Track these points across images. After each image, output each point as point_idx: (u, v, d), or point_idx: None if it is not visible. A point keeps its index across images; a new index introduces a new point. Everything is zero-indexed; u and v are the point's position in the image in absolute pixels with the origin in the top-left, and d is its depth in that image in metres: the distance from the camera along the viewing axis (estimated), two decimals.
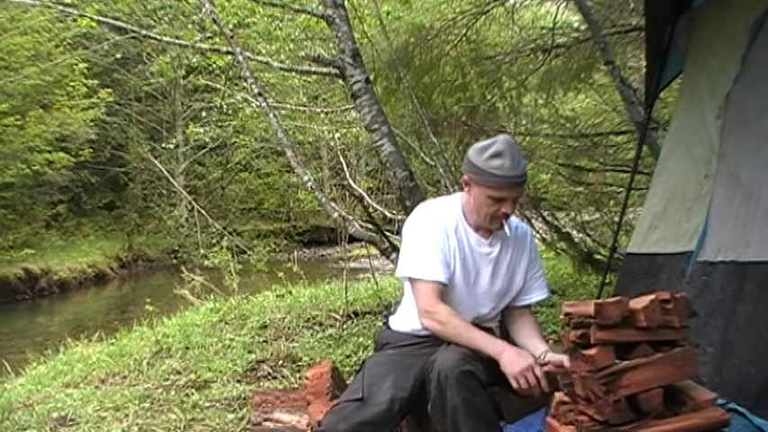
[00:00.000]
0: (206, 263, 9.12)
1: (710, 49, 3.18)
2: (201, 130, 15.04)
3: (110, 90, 16.17)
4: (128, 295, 14.17)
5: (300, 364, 3.90)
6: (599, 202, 6.84)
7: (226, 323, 5.05)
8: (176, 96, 19.06)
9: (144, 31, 6.00)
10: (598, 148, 6.50)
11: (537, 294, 2.26)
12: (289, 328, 4.74)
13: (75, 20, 9.85)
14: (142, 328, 5.41)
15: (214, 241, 10.11)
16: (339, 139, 9.05)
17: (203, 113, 16.27)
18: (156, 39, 6.16)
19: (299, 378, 3.62)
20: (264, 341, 4.48)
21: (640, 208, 4.23)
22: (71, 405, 3.45)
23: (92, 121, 15.52)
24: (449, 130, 6.22)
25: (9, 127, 13.34)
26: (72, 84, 15.17)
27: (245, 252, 10.05)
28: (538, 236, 6.94)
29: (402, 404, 2.00)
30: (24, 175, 13.95)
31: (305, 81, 9.79)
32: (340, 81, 4.73)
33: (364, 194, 7.87)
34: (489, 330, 2.19)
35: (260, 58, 5.77)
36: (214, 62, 10.24)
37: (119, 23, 6.44)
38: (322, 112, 8.66)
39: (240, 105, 10.52)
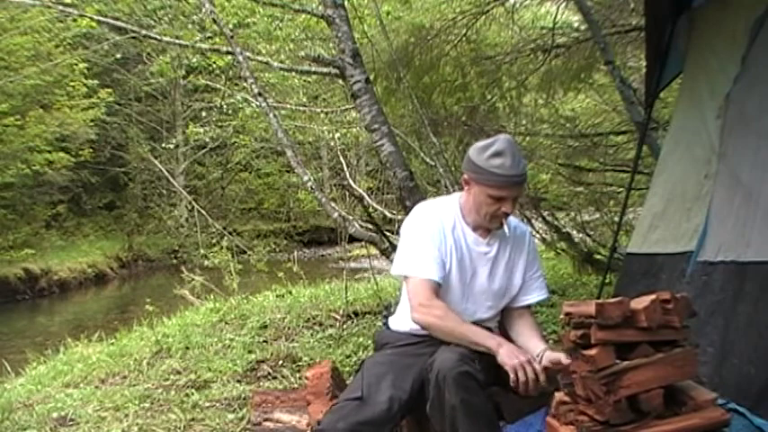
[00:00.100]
0: (206, 263, 9.12)
1: (710, 49, 3.18)
2: (201, 130, 15.04)
3: (110, 90, 16.17)
4: (128, 295, 14.17)
5: (300, 364, 3.90)
6: (599, 202, 6.84)
7: (226, 323, 5.05)
8: (176, 96, 19.06)
9: (144, 31, 6.00)
10: (598, 148, 6.51)
11: (536, 295, 2.26)
12: (289, 328, 4.74)
13: (75, 20, 9.85)
14: (142, 328, 5.41)
15: (214, 241, 10.11)
16: (339, 139, 9.06)
17: (203, 113, 16.27)
18: (156, 39, 6.17)
19: (299, 378, 3.62)
20: (264, 341, 4.48)
21: (640, 208, 4.23)
22: (71, 405, 3.45)
23: (92, 121, 15.52)
24: (449, 130, 6.23)
25: (9, 127, 13.34)
26: (72, 84, 15.17)
27: (245, 252, 10.05)
28: (538, 236, 6.95)
29: (401, 404, 1.99)
30: (24, 175, 13.95)
31: (305, 81, 9.80)
32: (340, 81, 4.73)
33: (364, 194, 7.88)
34: (488, 330, 2.19)
35: (260, 58, 5.77)
36: (214, 62, 10.24)
37: (119, 23, 6.44)
38: (322, 112, 8.67)
39: (240, 105, 10.52)
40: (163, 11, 11.19)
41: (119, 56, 15.17)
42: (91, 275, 15.18)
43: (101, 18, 6.99)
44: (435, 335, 2.04)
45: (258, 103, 4.62)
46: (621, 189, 6.17)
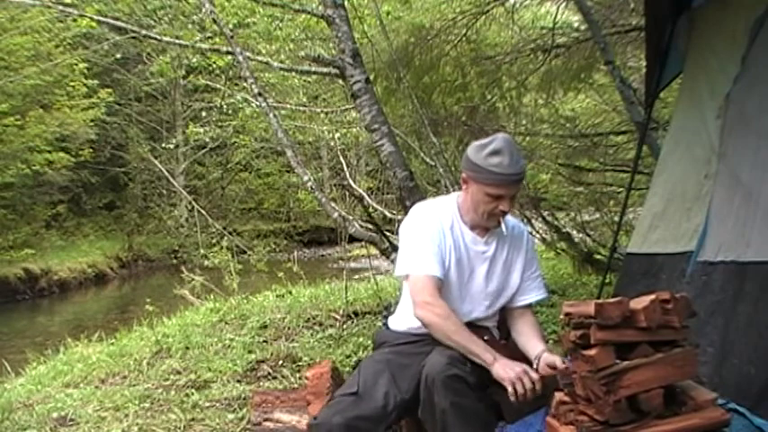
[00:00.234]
0: (206, 263, 9.12)
1: (710, 49, 3.18)
2: (201, 130, 15.04)
3: (110, 90, 16.17)
4: (128, 295, 14.17)
5: (300, 364, 3.90)
6: (599, 202, 6.84)
7: (226, 323, 5.05)
8: (176, 96, 19.06)
9: (144, 31, 6.00)
10: (598, 148, 6.51)
11: (536, 294, 2.26)
12: (289, 328, 4.74)
13: (75, 20, 9.84)
14: (142, 328, 5.41)
15: (214, 241, 10.11)
16: (339, 139, 9.05)
17: (203, 113, 16.26)
18: (156, 39, 6.17)
19: (299, 378, 3.62)
20: (264, 341, 4.48)
21: (640, 208, 4.23)
22: (71, 405, 3.45)
23: (92, 121, 15.51)
24: (449, 130, 6.23)
25: (9, 127, 13.34)
26: (72, 84, 15.16)
27: (245, 252, 10.05)
28: (538, 236, 6.95)
29: (397, 402, 1.99)
30: (24, 175, 13.95)
31: (305, 81, 9.79)
32: (340, 81, 4.73)
33: (364, 194, 7.88)
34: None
35: (260, 58, 5.77)
36: (214, 62, 10.24)
37: (119, 23, 6.44)
38: (322, 112, 8.67)
39: (240, 105, 10.52)
40: (163, 11, 11.18)
41: (119, 56, 15.17)
42: (91, 275, 15.18)
43: (101, 18, 6.99)
44: (434, 334, 2.04)
45: (258, 103, 4.62)
46: (621, 189, 6.17)
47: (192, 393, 3.49)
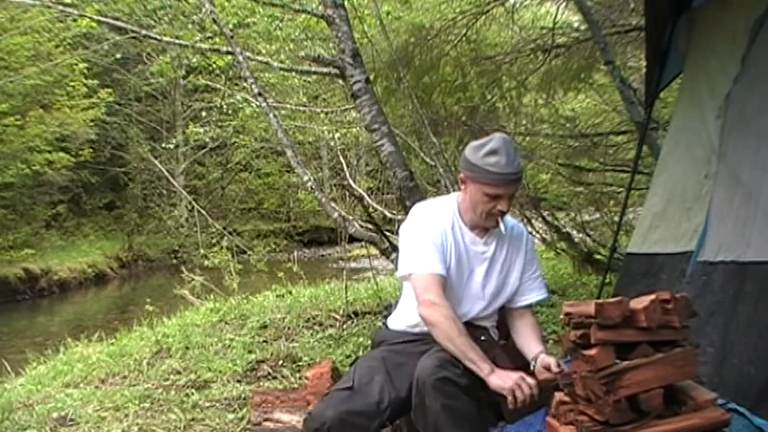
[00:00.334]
0: (206, 263, 9.12)
1: (710, 49, 3.18)
2: (201, 130, 15.04)
3: (110, 90, 16.16)
4: (128, 295, 14.17)
5: (300, 364, 3.90)
6: (599, 202, 6.84)
7: (226, 323, 5.05)
8: (176, 96, 19.06)
9: (144, 31, 6.00)
10: (598, 148, 6.51)
11: (536, 295, 2.26)
12: (289, 328, 4.74)
13: (75, 20, 9.84)
14: (142, 328, 5.41)
15: (214, 241, 10.10)
16: (339, 139, 9.05)
17: (203, 113, 16.27)
18: (156, 39, 6.17)
19: (299, 378, 3.62)
20: (264, 341, 4.48)
21: (640, 208, 4.23)
22: (71, 405, 3.45)
23: (92, 121, 15.51)
24: (449, 130, 6.23)
25: (9, 127, 13.34)
26: (72, 84, 15.16)
27: (245, 252, 10.05)
28: (538, 236, 6.95)
29: (391, 399, 2.00)
30: (24, 175, 13.95)
31: (305, 81, 9.79)
32: (340, 81, 4.73)
33: (364, 194, 7.87)
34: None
35: (260, 58, 5.77)
36: (214, 62, 10.23)
37: (119, 23, 6.44)
38: (322, 112, 8.67)
39: (240, 105, 10.53)
40: (163, 11, 11.19)
41: (119, 56, 15.17)
42: (91, 275, 15.17)
43: (101, 18, 6.99)
44: (434, 335, 2.03)
45: (258, 103, 4.62)
46: (621, 189, 6.17)
47: (192, 393, 3.49)
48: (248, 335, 4.61)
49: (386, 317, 2.38)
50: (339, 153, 9.37)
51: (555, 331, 4.14)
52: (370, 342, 2.61)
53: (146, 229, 18.38)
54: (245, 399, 3.35)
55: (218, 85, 12.40)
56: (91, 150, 15.87)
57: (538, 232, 7.00)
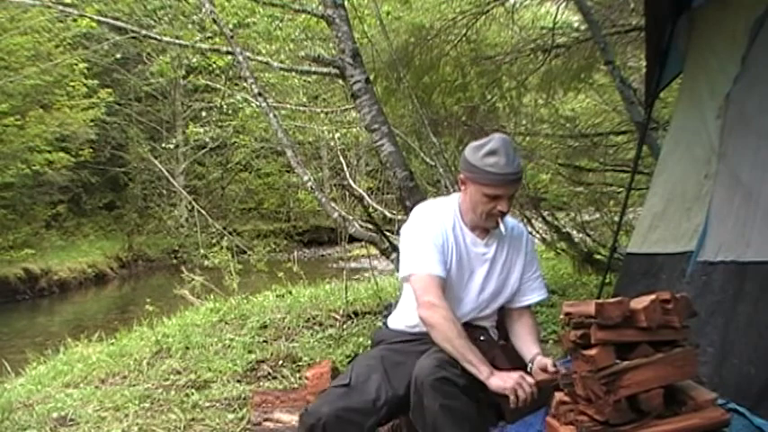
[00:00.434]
0: (206, 263, 9.11)
1: (710, 49, 3.18)
2: (201, 130, 15.04)
3: (110, 90, 16.16)
4: (128, 295, 14.17)
5: (300, 364, 3.90)
6: (599, 202, 6.84)
7: (226, 323, 5.05)
8: (176, 96, 19.06)
9: (144, 31, 6.00)
10: (598, 148, 6.50)
11: (536, 295, 2.27)
12: (289, 328, 4.74)
13: (75, 20, 9.84)
14: (142, 328, 5.41)
15: (214, 241, 10.10)
16: (339, 139, 9.05)
17: (203, 113, 16.27)
18: (156, 39, 6.17)
19: (299, 378, 3.62)
20: (264, 341, 4.49)
21: (640, 208, 4.23)
22: (71, 405, 3.45)
23: (92, 121, 15.51)
24: (449, 130, 6.23)
25: (9, 127, 13.33)
26: (72, 84, 15.16)
27: (245, 252, 10.04)
28: (538, 236, 6.95)
29: (388, 397, 2.00)
30: (24, 175, 13.94)
31: (305, 81, 9.79)
32: (340, 81, 4.73)
33: (364, 194, 7.88)
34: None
35: (260, 58, 5.77)
36: (214, 62, 10.23)
37: (119, 23, 6.44)
38: (322, 112, 8.67)
39: (240, 105, 10.53)
40: (163, 11, 11.19)
41: (119, 56, 15.17)
42: (91, 275, 15.17)
43: (101, 18, 6.99)
44: (433, 336, 2.03)
45: (258, 103, 4.62)
46: (621, 189, 6.17)
47: (192, 393, 3.49)
48: (248, 335, 4.61)
49: (386, 316, 2.38)
50: (339, 153, 9.38)
51: (555, 331, 4.14)
52: (370, 342, 2.61)
53: (146, 229, 18.37)
54: (245, 399, 3.35)
55: (218, 85, 12.40)
56: (91, 150, 15.87)
57: (538, 232, 7.00)
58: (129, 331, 5.50)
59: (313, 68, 4.95)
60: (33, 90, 14.25)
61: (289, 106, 8.46)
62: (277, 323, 4.86)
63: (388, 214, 7.19)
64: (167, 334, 4.82)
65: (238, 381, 3.71)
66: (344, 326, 4.76)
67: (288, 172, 18.01)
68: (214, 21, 4.64)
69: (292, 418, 2.82)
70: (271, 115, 4.38)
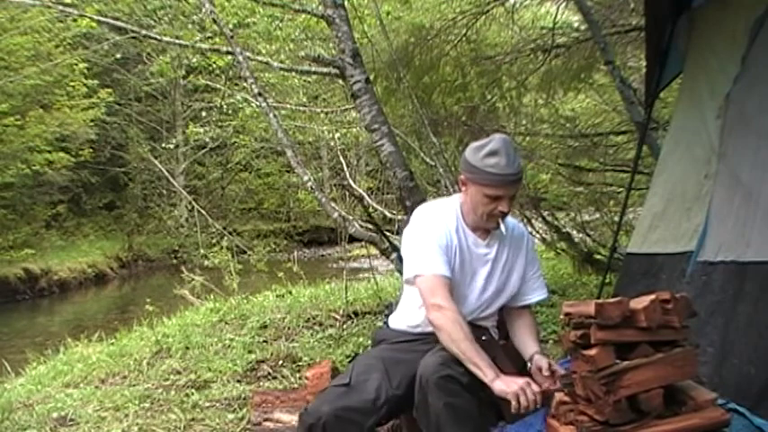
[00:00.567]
0: (206, 263, 9.12)
1: (710, 49, 3.18)
2: (201, 130, 15.04)
3: (110, 90, 16.16)
4: (128, 295, 14.17)
5: (300, 364, 3.90)
6: (599, 202, 6.84)
7: (226, 323, 5.05)
8: (176, 96, 19.06)
9: (144, 31, 6.00)
10: (598, 148, 6.50)
11: (537, 294, 2.27)
12: (289, 328, 4.74)
13: (75, 20, 9.84)
14: (142, 328, 5.41)
15: (214, 241, 10.10)
16: (339, 139, 9.05)
17: (203, 113, 16.27)
18: (156, 39, 6.16)
19: (299, 378, 3.62)
20: (264, 341, 4.49)
21: (640, 208, 4.23)
22: (71, 405, 3.45)
23: (92, 121, 15.51)
24: (449, 130, 6.23)
25: (9, 127, 13.33)
26: (72, 84, 15.16)
27: (245, 252, 10.05)
28: (538, 236, 6.95)
29: (388, 396, 1.99)
30: (24, 175, 13.94)
31: (305, 81, 9.79)
32: (340, 81, 4.73)
33: (364, 194, 7.88)
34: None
35: (260, 58, 5.77)
36: (214, 62, 10.23)
37: (119, 23, 6.44)
38: (322, 112, 8.67)
39: (240, 105, 10.53)
40: (163, 11, 11.18)
41: (119, 56, 15.17)
42: (91, 275, 15.17)
43: (101, 18, 6.99)
44: (440, 337, 2.02)
45: (258, 103, 4.62)
46: (621, 189, 6.17)
47: (192, 393, 3.49)
48: (248, 335, 4.61)
49: (387, 316, 2.38)
50: (339, 153, 9.38)
51: (555, 331, 4.14)
52: (370, 341, 2.61)
53: (146, 229, 18.37)
54: (245, 399, 3.35)
55: (218, 85, 12.40)
56: (91, 150, 15.87)
57: (538, 232, 7.00)
58: (129, 331, 5.50)
59: (313, 68, 4.95)
60: (33, 90, 14.25)
61: (289, 106, 8.46)
62: (277, 323, 4.86)
63: (388, 214, 7.19)
64: (167, 334, 4.82)
65: (238, 381, 3.71)
66: (344, 326, 4.76)
67: (288, 172, 18.01)
68: (214, 21, 4.64)
69: (292, 418, 2.82)
70: (271, 115, 4.38)
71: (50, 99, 14.95)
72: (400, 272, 2.43)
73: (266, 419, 2.90)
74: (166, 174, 15.17)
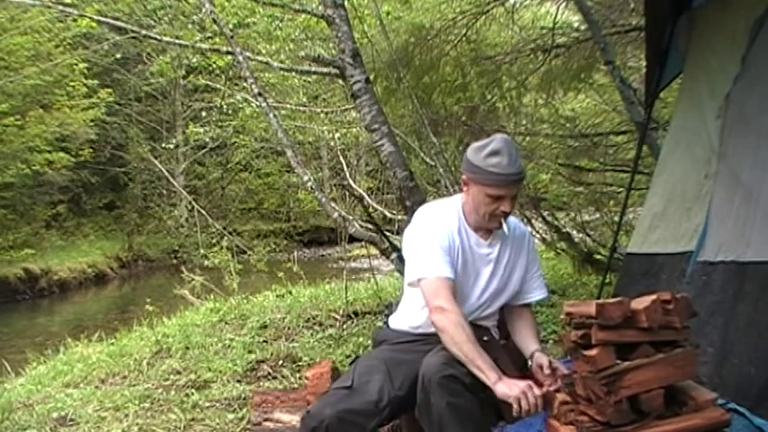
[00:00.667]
0: (206, 263, 9.12)
1: (710, 49, 3.18)
2: (201, 130, 15.04)
3: (110, 90, 16.16)
4: (128, 295, 14.17)
5: (300, 364, 3.90)
6: (599, 202, 6.84)
7: (226, 323, 5.05)
8: (176, 96, 19.06)
9: (144, 31, 6.00)
10: (598, 148, 6.50)
11: (537, 293, 2.28)
12: (289, 328, 4.74)
13: (75, 20, 9.84)
14: (142, 328, 5.41)
15: (214, 241, 10.11)
16: (339, 139, 9.06)
17: (203, 113, 16.26)
18: (156, 39, 6.17)
19: (299, 378, 3.62)
20: (264, 341, 4.49)
21: (640, 208, 4.23)
22: (71, 405, 3.45)
23: (92, 121, 15.51)
24: (449, 130, 6.23)
25: (9, 127, 13.33)
26: (72, 84, 15.16)
27: (245, 252, 10.05)
28: (538, 236, 6.95)
29: (391, 398, 1.99)
30: (24, 175, 13.94)
31: (305, 81, 9.79)
32: (340, 81, 4.73)
33: (364, 194, 7.88)
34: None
35: (260, 58, 5.77)
36: (214, 62, 10.23)
37: (119, 23, 6.44)
38: (322, 112, 8.67)
39: (240, 105, 10.53)
40: (163, 11, 11.19)
41: (119, 56, 15.16)
42: (91, 275, 15.17)
43: (101, 18, 6.99)
44: (443, 340, 2.01)
45: (258, 103, 4.62)
46: (621, 189, 6.17)
47: (192, 393, 3.49)
48: (248, 335, 4.61)
49: (387, 316, 2.38)
50: (339, 153, 9.38)
51: (555, 331, 4.14)
52: (370, 342, 2.61)
53: (146, 229, 18.37)
54: (245, 399, 3.35)
55: (218, 85, 12.40)
56: (91, 150, 15.87)
57: (538, 232, 7.00)
58: (129, 331, 5.50)
59: (313, 68, 4.95)
60: (33, 90, 14.25)
61: (289, 106, 8.46)
62: (277, 323, 4.86)
63: (388, 214, 7.19)
64: (167, 334, 4.82)
65: (238, 381, 3.70)
66: (344, 326, 4.76)
67: (288, 172, 18.01)
68: (214, 21, 4.64)
69: (292, 418, 2.82)
70: (271, 115, 4.38)
71: (50, 99, 14.95)
72: (400, 272, 2.43)
73: (266, 419, 2.89)
74: (166, 174, 15.17)
